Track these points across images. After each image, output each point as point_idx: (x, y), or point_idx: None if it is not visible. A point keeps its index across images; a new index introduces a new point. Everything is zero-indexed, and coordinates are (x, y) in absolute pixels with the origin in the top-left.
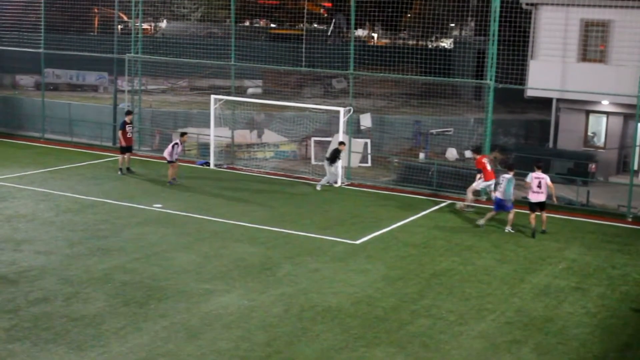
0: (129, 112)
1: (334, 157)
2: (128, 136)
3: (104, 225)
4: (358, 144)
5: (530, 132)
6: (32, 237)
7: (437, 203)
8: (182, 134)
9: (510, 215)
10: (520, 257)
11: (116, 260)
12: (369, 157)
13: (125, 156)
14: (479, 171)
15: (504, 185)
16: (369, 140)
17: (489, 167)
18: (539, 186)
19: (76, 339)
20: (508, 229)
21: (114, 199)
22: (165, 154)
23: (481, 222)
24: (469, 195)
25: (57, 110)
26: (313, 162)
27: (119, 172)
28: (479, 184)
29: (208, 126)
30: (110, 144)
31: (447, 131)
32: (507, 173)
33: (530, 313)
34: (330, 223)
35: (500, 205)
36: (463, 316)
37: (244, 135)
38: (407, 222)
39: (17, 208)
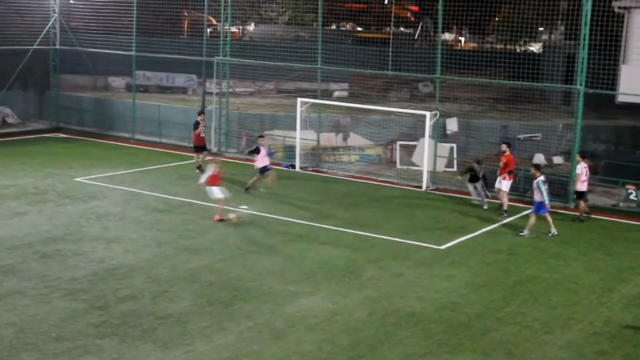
0: (200, 112)
1: (473, 176)
2: (201, 136)
3: (191, 226)
4: (444, 148)
5: (620, 139)
6: (121, 236)
7: (523, 209)
8: (259, 137)
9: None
10: (609, 266)
11: (202, 260)
12: (455, 161)
13: (201, 155)
14: (501, 170)
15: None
16: (454, 145)
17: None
18: (587, 175)
19: (162, 337)
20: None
21: (201, 199)
22: None
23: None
24: (505, 199)
25: (147, 112)
26: (398, 166)
27: (197, 170)
28: (507, 184)
29: (294, 129)
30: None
31: (534, 136)
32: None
33: (619, 323)
34: (415, 227)
35: (543, 207)
36: (549, 325)
37: (329, 138)
38: (492, 228)
39: (107, 207)
